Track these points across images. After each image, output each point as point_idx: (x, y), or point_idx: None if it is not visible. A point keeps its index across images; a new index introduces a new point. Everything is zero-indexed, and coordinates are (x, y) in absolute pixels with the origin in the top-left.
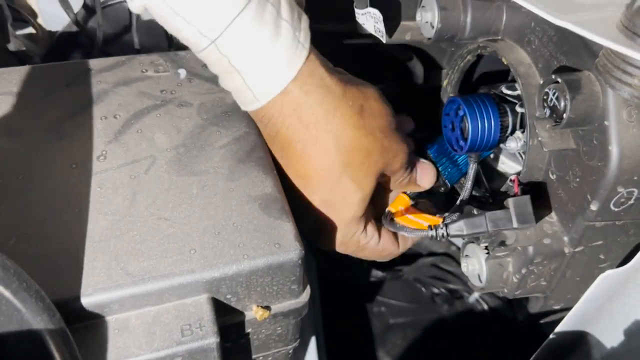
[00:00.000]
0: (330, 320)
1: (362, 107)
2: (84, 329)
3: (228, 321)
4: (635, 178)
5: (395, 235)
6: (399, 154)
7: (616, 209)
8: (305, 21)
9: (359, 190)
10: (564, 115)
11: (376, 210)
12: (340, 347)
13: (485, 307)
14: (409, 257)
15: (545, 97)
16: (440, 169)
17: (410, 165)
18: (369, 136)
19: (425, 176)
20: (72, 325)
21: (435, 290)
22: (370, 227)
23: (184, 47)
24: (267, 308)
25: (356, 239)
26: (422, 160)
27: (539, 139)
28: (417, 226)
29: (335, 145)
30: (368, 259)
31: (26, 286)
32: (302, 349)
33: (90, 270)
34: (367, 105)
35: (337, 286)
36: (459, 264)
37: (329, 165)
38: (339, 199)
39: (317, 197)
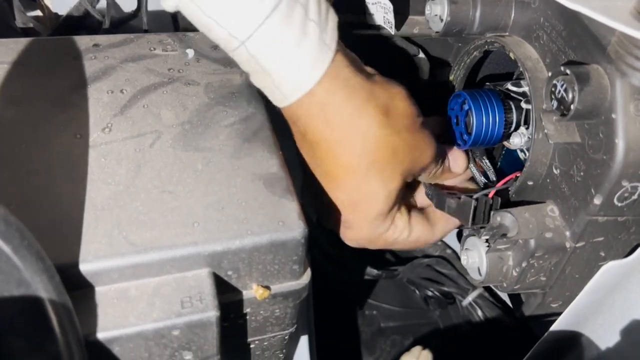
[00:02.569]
0: (320, 321)
1: (388, 106)
2: (83, 296)
3: (227, 299)
4: None
5: (428, 221)
6: (426, 152)
7: (619, 204)
8: (332, 21)
9: (384, 188)
10: (572, 107)
11: (407, 201)
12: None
13: (479, 311)
14: (403, 258)
15: (553, 89)
16: None
17: (441, 157)
18: (395, 135)
19: (458, 161)
20: (71, 292)
21: (429, 293)
22: (399, 221)
23: (192, 30)
24: (267, 288)
25: (384, 236)
26: (451, 147)
27: (545, 131)
28: None
29: (361, 145)
30: (401, 249)
31: (27, 244)
32: (293, 347)
33: (92, 238)
34: (393, 105)
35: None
36: (454, 266)
37: (355, 165)
38: (364, 197)
39: (343, 196)
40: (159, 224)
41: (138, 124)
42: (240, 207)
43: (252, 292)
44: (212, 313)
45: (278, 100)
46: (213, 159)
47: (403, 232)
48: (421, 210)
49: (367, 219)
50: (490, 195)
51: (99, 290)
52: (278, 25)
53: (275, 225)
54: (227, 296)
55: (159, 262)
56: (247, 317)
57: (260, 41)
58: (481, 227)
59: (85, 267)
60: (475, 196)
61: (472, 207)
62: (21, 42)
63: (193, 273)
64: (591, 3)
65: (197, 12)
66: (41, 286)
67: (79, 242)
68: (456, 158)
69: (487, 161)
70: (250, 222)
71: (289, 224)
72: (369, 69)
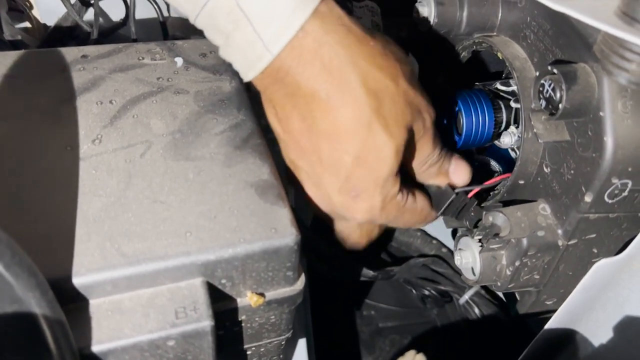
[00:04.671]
0: (319, 322)
1: (385, 48)
2: (77, 309)
3: (222, 307)
4: (630, 169)
5: (427, 195)
6: (423, 112)
7: (610, 201)
8: None
9: (392, 139)
10: (560, 106)
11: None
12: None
13: (476, 309)
14: (399, 258)
15: (541, 89)
16: None
17: (442, 149)
18: (393, 81)
19: (460, 172)
20: (65, 305)
21: (426, 292)
22: (404, 187)
23: (180, 39)
24: (262, 295)
25: (396, 200)
26: (458, 156)
27: (534, 131)
28: None
29: (363, 89)
30: (408, 224)
31: (19, 260)
32: (291, 351)
33: (84, 250)
34: (390, 50)
35: (325, 288)
36: (450, 265)
37: (359, 113)
38: (373, 153)
39: (350, 155)
40: (151, 234)
41: (128, 134)
42: (232, 215)
43: (247, 299)
44: (206, 322)
45: (257, 59)
46: (204, 168)
47: (409, 196)
48: None
49: (378, 179)
50: (471, 195)
51: (93, 303)
52: None
53: (268, 232)
54: (222, 304)
55: (152, 273)
56: (243, 324)
57: None
58: (474, 227)
59: (78, 281)
60: (457, 190)
61: (449, 200)
62: (9, 56)
63: (187, 283)
64: (576, 3)
65: None
66: (34, 302)
67: (71, 255)
68: (460, 168)
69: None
70: (242, 230)
71: (282, 230)
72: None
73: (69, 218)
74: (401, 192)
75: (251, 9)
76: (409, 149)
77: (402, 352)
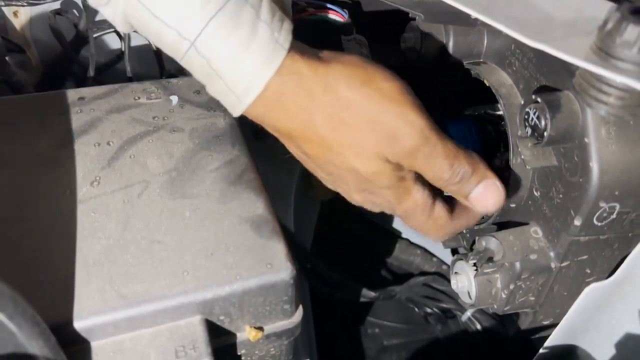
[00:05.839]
0: (324, 342)
1: (336, 79)
2: (79, 352)
3: (221, 343)
4: (616, 193)
5: (450, 212)
6: (399, 134)
7: (599, 224)
8: (288, 24)
9: (366, 166)
10: (545, 134)
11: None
12: None
13: (478, 325)
14: (400, 276)
15: (526, 117)
16: None
17: (458, 171)
18: (347, 110)
19: (485, 198)
20: (68, 348)
21: (428, 310)
22: (428, 190)
23: (175, 75)
24: (260, 329)
25: (413, 197)
26: (491, 174)
27: (522, 157)
28: None
29: (323, 125)
30: (422, 228)
31: (21, 310)
32: None
33: (85, 294)
34: (353, 75)
35: (329, 308)
36: (450, 282)
37: (328, 145)
38: (358, 174)
39: (346, 171)
40: (150, 275)
41: (126, 175)
42: (228, 252)
43: (246, 334)
44: None
45: (234, 107)
46: (200, 205)
47: (429, 199)
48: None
49: (381, 187)
50: None
51: (95, 344)
52: (226, 25)
53: (263, 268)
54: (221, 340)
55: (151, 314)
56: (243, 358)
57: (209, 41)
58: (470, 249)
59: (80, 325)
60: None
61: None
62: (6, 102)
63: (185, 321)
64: (555, 35)
65: (146, 15)
66: (37, 349)
67: (72, 299)
68: (486, 194)
69: None
70: (238, 267)
71: (277, 265)
72: (324, 52)
73: (69, 262)
74: (420, 192)
75: (220, 68)
76: (395, 155)
77: None
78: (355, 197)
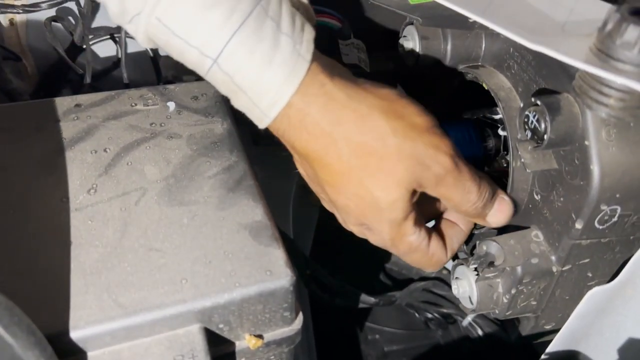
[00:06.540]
0: (324, 349)
1: (371, 107)
2: None
3: (221, 351)
4: (618, 196)
5: (443, 241)
6: (428, 161)
7: (601, 227)
8: (309, 33)
9: (388, 195)
10: (545, 137)
11: (425, 214)
12: None
13: (480, 331)
14: (400, 282)
15: (525, 120)
16: None
17: (481, 195)
18: (379, 141)
19: (500, 214)
20: (64, 359)
21: (429, 315)
22: (422, 229)
23: (172, 81)
24: (260, 337)
25: (408, 240)
26: (499, 189)
27: (522, 160)
28: None
29: (347, 152)
30: (418, 265)
31: (17, 320)
32: None
33: (82, 303)
34: (377, 106)
35: (330, 314)
36: (450, 287)
37: (348, 172)
38: (370, 204)
39: (352, 202)
40: (147, 283)
41: (123, 182)
42: (227, 259)
43: (245, 342)
44: None
45: (260, 119)
46: (198, 212)
47: (424, 240)
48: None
49: (384, 221)
50: None
51: (92, 354)
52: (247, 41)
53: (263, 275)
54: (221, 348)
55: (149, 323)
56: None
57: (231, 58)
58: (471, 254)
59: (76, 334)
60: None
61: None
62: (2, 109)
63: (184, 330)
64: (552, 40)
65: (167, 34)
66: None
67: (69, 308)
68: (500, 211)
69: None
70: (237, 274)
71: (277, 272)
72: (348, 75)
73: (65, 271)
74: (416, 234)
75: (243, 84)
76: (429, 197)
77: None
78: (351, 227)
